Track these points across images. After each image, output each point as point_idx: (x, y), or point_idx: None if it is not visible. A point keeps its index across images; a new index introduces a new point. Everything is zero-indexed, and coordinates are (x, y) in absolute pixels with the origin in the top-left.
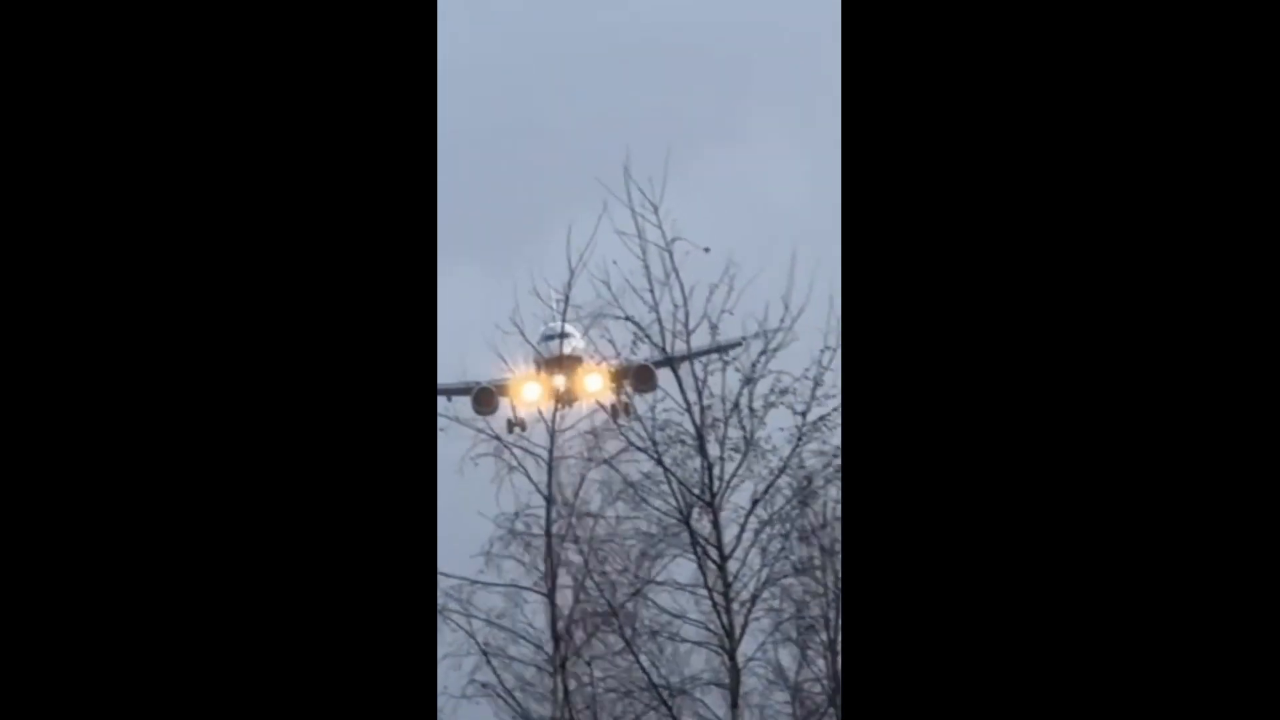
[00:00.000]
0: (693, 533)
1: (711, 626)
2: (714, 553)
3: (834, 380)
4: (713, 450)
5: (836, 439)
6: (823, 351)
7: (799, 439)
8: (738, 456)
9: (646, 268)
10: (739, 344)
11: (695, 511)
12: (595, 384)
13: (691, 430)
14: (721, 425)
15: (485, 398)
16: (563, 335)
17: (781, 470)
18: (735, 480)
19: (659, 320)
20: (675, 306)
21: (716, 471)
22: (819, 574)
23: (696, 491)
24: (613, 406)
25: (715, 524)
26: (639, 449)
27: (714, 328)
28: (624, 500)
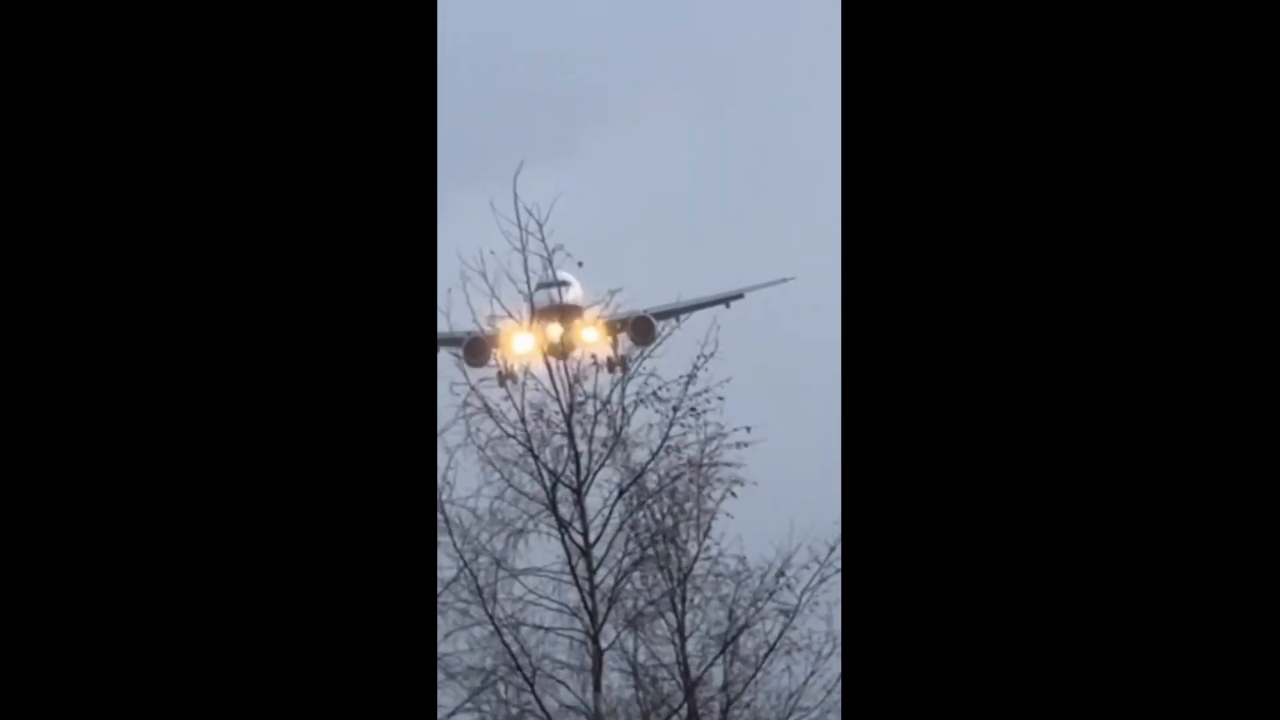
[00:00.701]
0: (559, 518)
1: (576, 611)
2: (579, 539)
3: (707, 380)
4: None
5: (700, 436)
6: (699, 357)
7: (666, 435)
8: (604, 450)
9: (525, 263)
10: (739, 296)
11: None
12: (591, 336)
13: (561, 418)
14: (591, 418)
15: (477, 348)
16: (561, 283)
17: (648, 464)
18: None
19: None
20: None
21: (584, 461)
22: (669, 565)
23: (564, 478)
24: (608, 360)
25: (581, 511)
26: (509, 435)
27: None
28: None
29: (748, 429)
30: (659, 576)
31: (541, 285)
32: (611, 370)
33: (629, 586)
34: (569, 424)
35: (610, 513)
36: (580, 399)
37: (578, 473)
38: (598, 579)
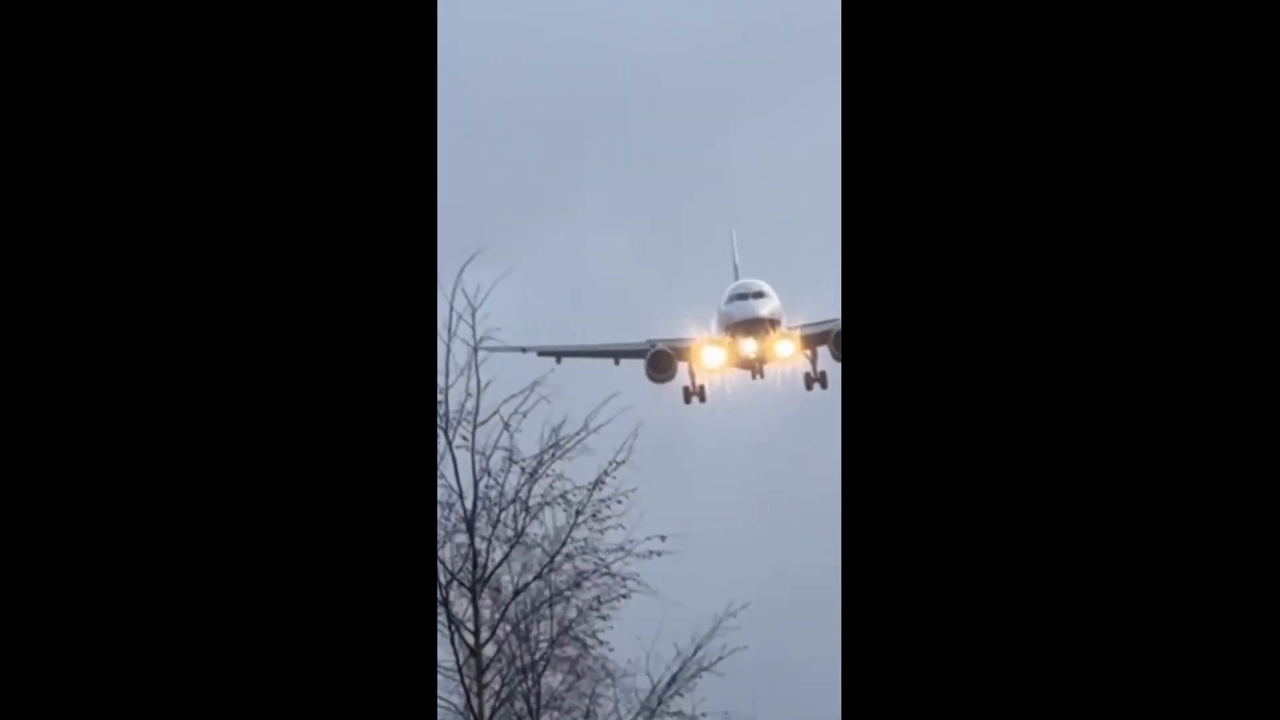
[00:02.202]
0: (451, 616)
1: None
2: (470, 638)
3: (615, 487)
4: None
5: (611, 539)
6: (611, 463)
7: (568, 536)
8: (505, 546)
9: (449, 354)
10: None
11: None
12: (787, 350)
13: (463, 512)
14: (495, 512)
15: (663, 362)
16: (757, 294)
17: (547, 566)
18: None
19: (446, 411)
20: (468, 395)
21: (482, 559)
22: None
23: (458, 574)
24: (806, 376)
25: (474, 609)
26: None
27: (506, 426)
28: None
29: (662, 538)
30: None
31: (736, 296)
32: (810, 387)
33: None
34: (470, 521)
35: (501, 615)
36: (486, 491)
37: (474, 571)
38: (486, 679)
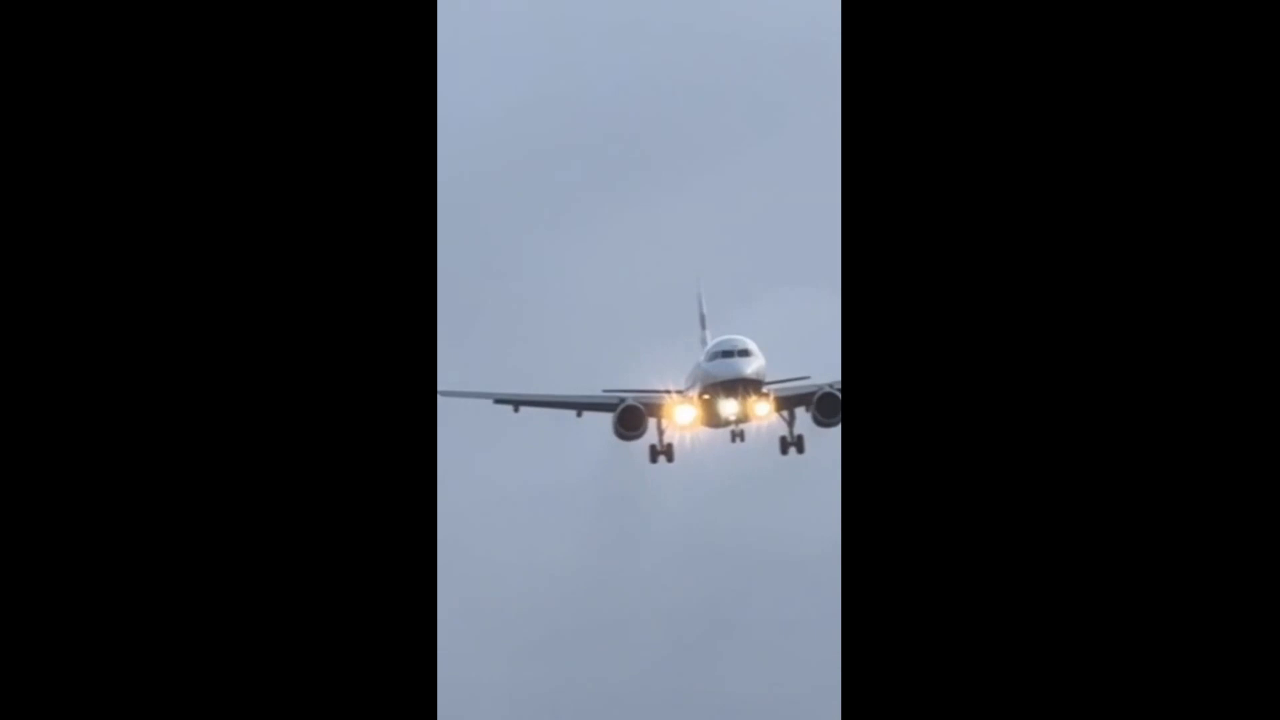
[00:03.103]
0: None
1: None
2: None
3: None
4: None
5: None
6: None
7: None
8: None
9: None
10: None
11: None
12: (763, 410)
13: None
14: None
15: (633, 419)
16: (742, 352)
17: None
18: None
19: None
20: None
21: None
22: None
23: None
24: (782, 440)
25: None
26: None
27: None
28: None
29: None
30: None
31: (720, 354)
32: (785, 451)
33: None
34: None
35: None
36: None
37: None
38: None
